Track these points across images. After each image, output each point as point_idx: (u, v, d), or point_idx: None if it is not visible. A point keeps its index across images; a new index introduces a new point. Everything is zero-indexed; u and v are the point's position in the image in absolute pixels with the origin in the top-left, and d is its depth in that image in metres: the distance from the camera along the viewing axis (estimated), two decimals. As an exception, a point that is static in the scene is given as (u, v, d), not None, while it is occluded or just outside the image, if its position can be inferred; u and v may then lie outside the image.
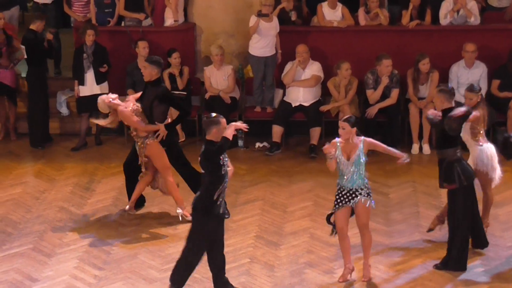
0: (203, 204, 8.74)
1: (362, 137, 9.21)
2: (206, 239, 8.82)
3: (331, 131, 12.98)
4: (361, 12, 13.51)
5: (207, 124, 8.67)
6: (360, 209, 9.24)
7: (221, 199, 8.75)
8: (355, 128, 9.15)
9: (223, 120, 8.72)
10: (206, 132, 8.70)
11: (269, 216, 11.05)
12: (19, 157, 13.06)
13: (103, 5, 13.63)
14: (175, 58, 13.06)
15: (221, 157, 8.65)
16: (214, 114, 8.78)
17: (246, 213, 11.12)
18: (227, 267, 9.59)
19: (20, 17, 15.77)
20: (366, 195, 9.21)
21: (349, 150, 9.17)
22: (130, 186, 10.99)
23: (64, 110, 13.92)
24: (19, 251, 10.25)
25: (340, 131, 9.19)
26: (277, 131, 13.04)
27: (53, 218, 11.07)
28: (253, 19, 12.98)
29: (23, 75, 13.93)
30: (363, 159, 9.15)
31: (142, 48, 12.98)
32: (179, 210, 10.82)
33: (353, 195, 9.20)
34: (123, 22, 13.76)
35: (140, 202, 11.12)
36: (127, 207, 10.91)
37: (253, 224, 10.82)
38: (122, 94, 12.89)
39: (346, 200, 9.23)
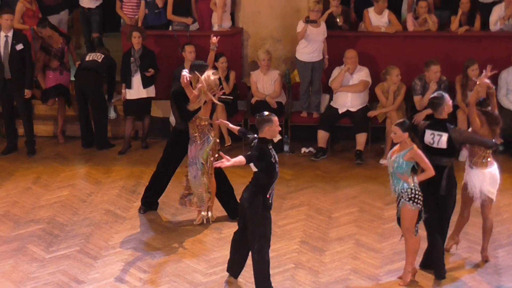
0: (260, 201, 8.96)
1: (413, 146, 9.12)
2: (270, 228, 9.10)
3: (377, 137, 12.95)
4: (409, 18, 13.41)
5: (260, 122, 8.94)
6: (402, 212, 9.27)
7: (272, 194, 9.06)
8: (407, 133, 9.12)
9: (275, 118, 9.01)
10: (259, 130, 8.93)
11: (314, 222, 11.02)
12: (67, 160, 13.18)
13: (153, 5, 13.68)
14: (222, 63, 13.07)
15: (273, 155, 8.93)
16: (266, 113, 9.03)
17: (291, 218, 11.09)
18: (271, 272, 9.61)
19: (69, 21, 15.92)
20: (407, 199, 9.17)
21: (397, 152, 9.21)
22: (160, 189, 11.21)
23: (111, 114, 14.03)
24: (66, 253, 10.33)
25: (392, 135, 9.24)
26: (322, 136, 13.00)
27: (99, 221, 11.15)
28: (300, 25, 12.94)
29: (72, 78, 14.08)
30: (399, 162, 9.11)
31: (189, 53, 13.01)
32: (210, 213, 10.87)
33: (398, 201, 9.28)
34: (170, 26, 13.83)
35: (154, 204, 11.35)
36: (209, 213, 10.91)
37: (298, 230, 10.79)
38: (168, 98, 12.99)
39: (397, 206, 9.33)
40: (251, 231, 9.05)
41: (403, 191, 9.17)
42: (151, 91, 13.24)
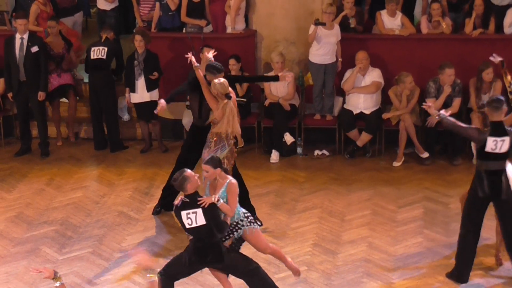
0: (226, 252, 8.75)
1: (229, 179, 8.77)
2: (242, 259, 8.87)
3: (391, 140, 12.92)
4: (423, 20, 13.38)
5: (179, 186, 8.54)
6: (249, 239, 8.95)
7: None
8: (218, 169, 8.77)
9: (189, 171, 8.58)
10: (184, 192, 8.58)
11: (327, 224, 11.01)
12: (80, 162, 13.21)
13: (167, 8, 13.69)
14: (234, 65, 13.07)
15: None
16: (181, 171, 8.58)
17: (304, 220, 11.08)
18: (283, 274, 9.60)
19: (84, 23, 15.96)
20: (248, 223, 8.89)
21: (216, 187, 8.82)
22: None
23: (125, 116, 14.05)
24: (79, 255, 10.36)
25: (204, 174, 8.80)
26: (355, 135, 12.98)
27: (112, 223, 11.17)
28: (311, 27, 12.94)
29: (86, 80, 14.11)
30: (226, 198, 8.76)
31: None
32: None
33: (235, 228, 8.91)
34: (184, 29, 13.84)
35: (170, 206, 11.28)
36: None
37: (311, 232, 10.78)
38: (182, 100, 13.01)
39: (229, 233, 8.91)
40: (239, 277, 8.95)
41: (242, 219, 8.85)
42: (154, 95, 13.17)
